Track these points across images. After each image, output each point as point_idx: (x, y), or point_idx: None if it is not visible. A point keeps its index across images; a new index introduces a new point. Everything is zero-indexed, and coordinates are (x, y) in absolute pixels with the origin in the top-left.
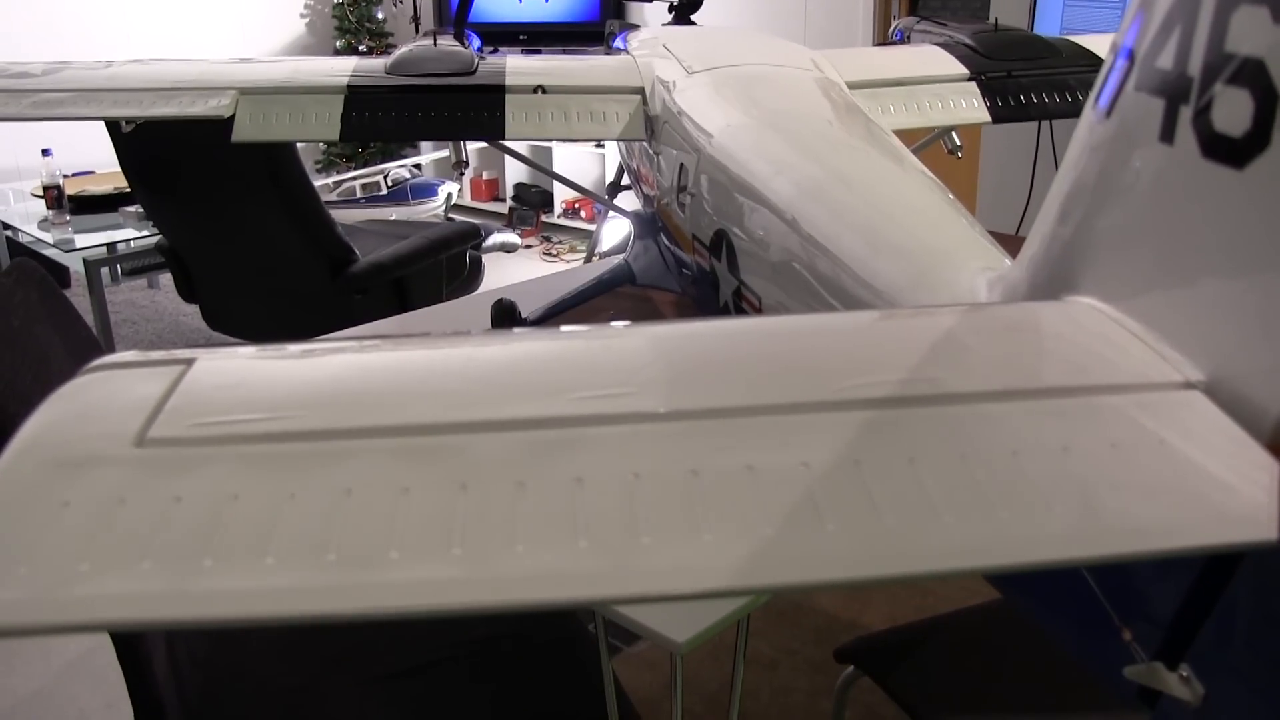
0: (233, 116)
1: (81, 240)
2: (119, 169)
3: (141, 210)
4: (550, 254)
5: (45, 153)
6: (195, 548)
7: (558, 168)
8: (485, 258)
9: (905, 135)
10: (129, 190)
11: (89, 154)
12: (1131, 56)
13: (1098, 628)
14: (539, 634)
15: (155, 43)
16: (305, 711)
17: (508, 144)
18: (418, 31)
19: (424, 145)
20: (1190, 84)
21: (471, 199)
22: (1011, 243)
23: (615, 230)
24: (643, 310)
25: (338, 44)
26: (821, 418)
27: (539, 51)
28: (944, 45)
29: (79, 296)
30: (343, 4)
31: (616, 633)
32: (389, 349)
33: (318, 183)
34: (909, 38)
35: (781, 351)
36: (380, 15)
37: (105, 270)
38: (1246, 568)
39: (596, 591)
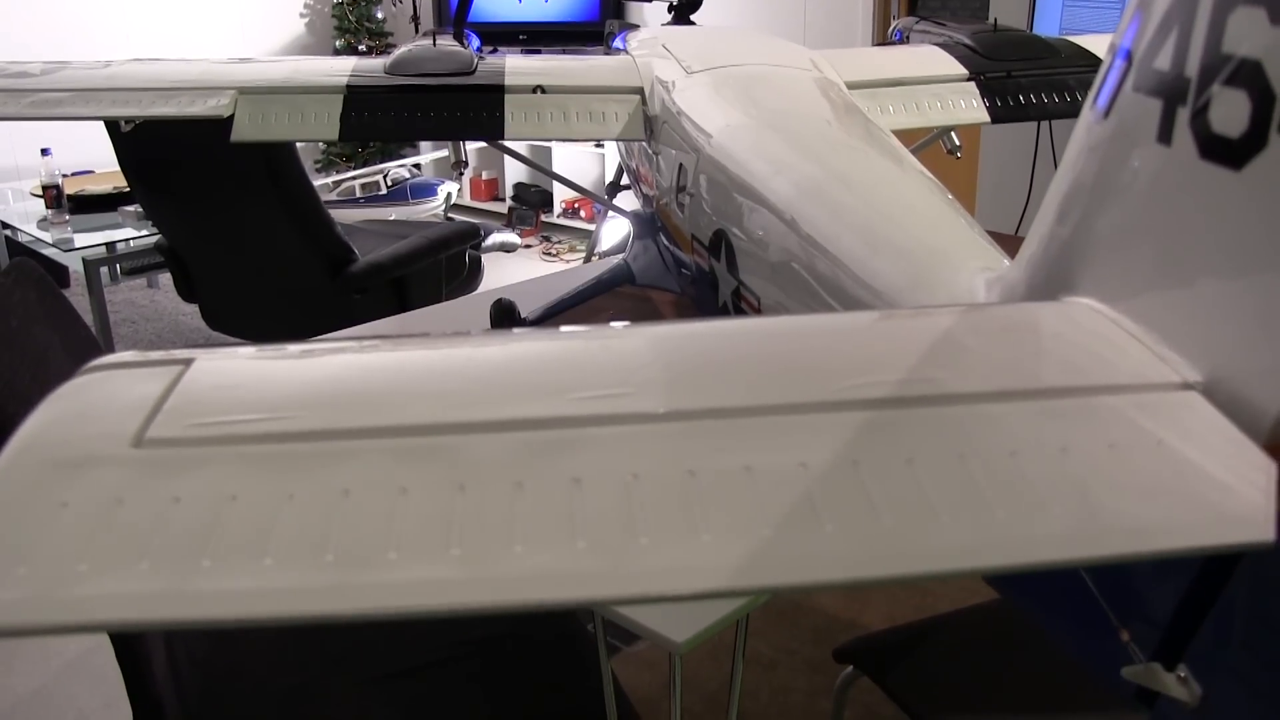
0: (232, 116)
1: (80, 240)
2: (118, 168)
3: (141, 210)
4: (550, 254)
5: (44, 152)
6: (194, 548)
7: (557, 167)
8: (485, 258)
9: (904, 135)
10: (128, 190)
11: (88, 153)
12: (1129, 57)
13: (1096, 628)
14: (538, 634)
15: (155, 42)
16: (305, 711)
17: (507, 144)
18: (417, 31)
19: (423, 145)
20: (1188, 85)
21: (471, 199)
22: (1011, 243)
23: (615, 230)
24: (642, 310)
25: (337, 44)
26: (820, 418)
27: (538, 51)
28: (943, 45)
29: (78, 296)
30: (342, 4)
31: (616, 632)
32: (388, 349)
33: (317, 182)
34: (908, 38)
35: (780, 352)
36: (380, 15)
37: (104, 270)
38: (1244, 568)
39: (595, 592)
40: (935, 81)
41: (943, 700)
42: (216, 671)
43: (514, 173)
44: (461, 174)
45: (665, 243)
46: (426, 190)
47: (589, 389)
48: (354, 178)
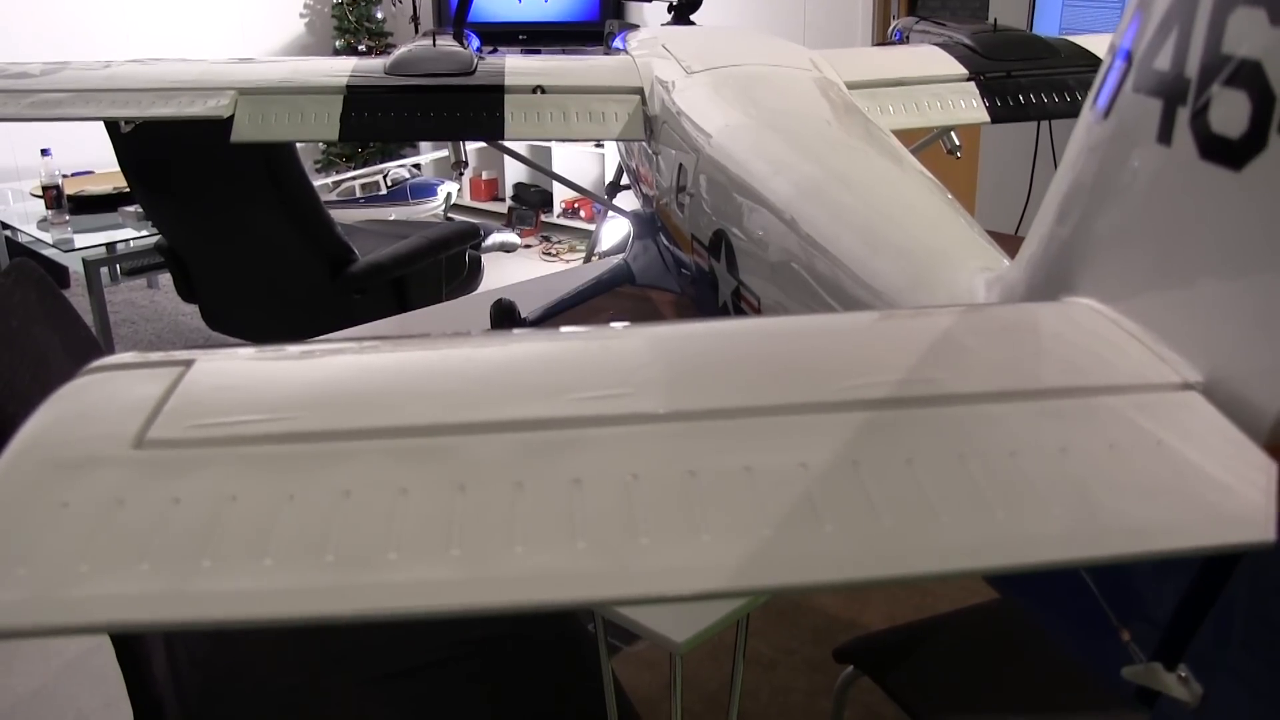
0: (232, 116)
1: (81, 240)
2: (118, 169)
3: (141, 210)
4: (549, 254)
5: (44, 152)
6: (194, 549)
7: (557, 167)
8: (484, 258)
9: (904, 135)
10: (128, 190)
11: (88, 154)
12: (1129, 57)
13: (1096, 628)
14: (539, 634)
15: (155, 43)
16: (305, 711)
17: (507, 144)
18: (417, 31)
19: (423, 145)
20: (1188, 85)
21: (471, 199)
22: (1010, 243)
23: (614, 230)
24: (642, 310)
25: (337, 44)
26: (820, 418)
27: (538, 51)
28: (943, 45)
29: (78, 296)
30: (342, 4)
31: (616, 632)
32: (388, 350)
33: (317, 183)
34: (908, 38)
35: (780, 352)
36: (379, 15)
37: (104, 270)
38: (1244, 568)
39: (595, 592)
40: (935, 81)
41: (943, 700)
42: (216, 671)
43: (514, 173)
44: (461, 174)
45: (665, 243)
46: (426, 190)
47: (589, 389)
48: (354, 178)
